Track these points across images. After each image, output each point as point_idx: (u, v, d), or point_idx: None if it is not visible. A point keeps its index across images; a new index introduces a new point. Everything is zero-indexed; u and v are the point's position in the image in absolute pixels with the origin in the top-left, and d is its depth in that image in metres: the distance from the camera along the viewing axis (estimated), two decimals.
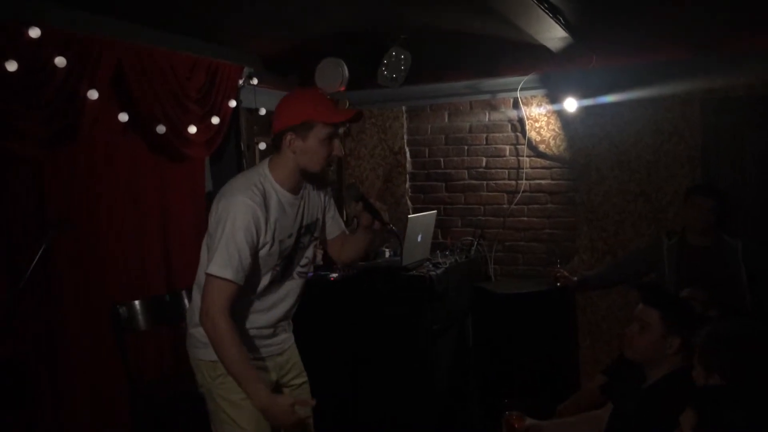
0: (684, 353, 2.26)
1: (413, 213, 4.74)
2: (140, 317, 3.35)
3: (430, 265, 4.01)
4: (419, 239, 4.02)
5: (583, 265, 4.40)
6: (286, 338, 2.49)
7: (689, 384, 1.98)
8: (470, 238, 4.70)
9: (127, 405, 3.31)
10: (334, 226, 2.56)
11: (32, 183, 3.06)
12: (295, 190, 2.31)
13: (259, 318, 2.33)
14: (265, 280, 2.28)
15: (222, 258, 2.12)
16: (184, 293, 3.56)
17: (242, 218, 2.14)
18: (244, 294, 2.22)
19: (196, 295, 2.30)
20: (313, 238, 2.45)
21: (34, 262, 2.83)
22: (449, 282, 3.98)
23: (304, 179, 2.33)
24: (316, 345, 3.93)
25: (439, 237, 4.76)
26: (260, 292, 2.29)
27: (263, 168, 2.30)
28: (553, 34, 3.62)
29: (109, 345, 3.27)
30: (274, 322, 2.38)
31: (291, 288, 2.41)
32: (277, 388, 2.40)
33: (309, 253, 2.45)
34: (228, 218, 2.14)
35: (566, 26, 3.45)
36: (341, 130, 2.31)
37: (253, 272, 2.21)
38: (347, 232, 2.61)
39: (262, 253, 2.22)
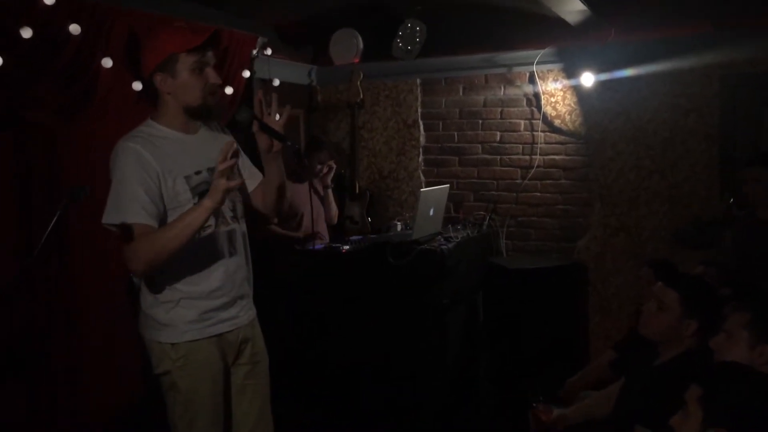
0: (700, 335, 2.25)
1: (426, 187, 4.73)
2: None
3: (442, 240, 4.01)
4: (431, 213, 4.01)
5: (596, 241, 4.38)
6: (249, 307, 2.35)
7: (702, 364, 1.97)
8: (482, 213, 4.68)
9: (140, 374, 3.35)
10: (251, 177, 2.40)
11: (47, 150, 3.07)
12: (185, 130, 2.21)
13: (210, 279, 2.19)
14: None
15: (116, 204, 2.06)
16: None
17: (124, 158, 2.07)
18: None
19: (137, 278, 2.25)
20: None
21: (48, 229, 2.85)
22: (460, 256, 3.98)
23: (193, 118, 2.22)
24: (325, 318, 3.98)
25: (452, 211, 4.75)
26: (194, 240, 2.12)
27: (147, 120, 2.22)
28: (572, 7, 3.57)
29: (123, 314, 3.30)
30: (227, 281, 2.22)
31: (230, 236, 2.25)
32: (226, 370, 2.27)
33: (236, 197, 2.29)
34: (113, 168, 2.10)
35: None
36: (210, 56, 2.17)
37: (174, 213, 2.11)
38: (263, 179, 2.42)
39: (168, 189, 2.10)
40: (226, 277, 2.23)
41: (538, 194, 4.63)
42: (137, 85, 3.39)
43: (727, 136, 4.06)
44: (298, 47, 4.59)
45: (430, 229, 4.04)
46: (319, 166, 4.16)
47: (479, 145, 4.78)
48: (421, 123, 4.91)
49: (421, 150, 4.93)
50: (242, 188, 2.34)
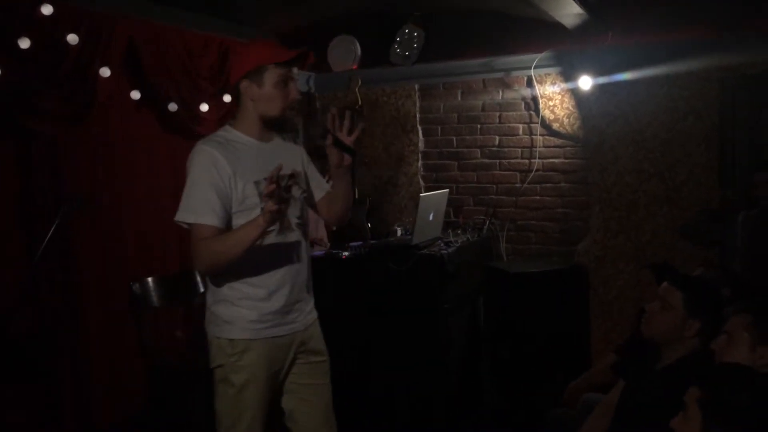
0: (702, 336, 2.25)
1: (425, 192, 4.73)
2: (154, 294, 3.37)
3: (442, 244, 4.01)
4: (431, 218, 4.01)
5: (596, 244, 4.38)
6: (308, 311, 2.42)
7: (703, 366, 1.97)
8: (482, 217, 4.68)
9: (142, 379, 3.35)
10: (318, 188, 2.51)
11: (47, 159, 3.08)
12: (260, 137, 2.30)
13: (271, 281, 2.26)
14: None
15: (187, 203, 2.16)
16: (196, 271, 3.59)
17: (199, 160, 2.17)
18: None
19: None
20: (303, 192, 2.38)
21: (48, 236, 2.86)
22: (461, 261, 3.98)
23: (269, 128, 2.32)
24: (326, 324, 3.96)
25: (451, 216, 4.75)
26: (259, 243, 2.17)
27: (225, 125, 2.33)
28: (569, 11, 3.58)
29: (124, 321, 3.30)
30: (287, 284, 2.29)
31: (294, 242, 2.33)
32: (279, 373, 2.34)
33: (303, 206, 2.39)
34: (189, 169, 2.20)
35: (582, 3, 3.40)
36: (295, 72, 2.28)
37: (241, 221, 2.17)
38: (330, 191, 2.53)
39: (238, 192, 2.18)
40: (287, 281, 2.31)
41: (538, 198, 4.63)
42: (136, 94, 3.41)
43: (725, 139, 4.06)
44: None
45: (430, 234, 4.04)
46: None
47: (478, 150, 4.79)
48: (419, 128, 4.92)
49: (420, 155, 4.93)
50: (309, 196, 2.45)
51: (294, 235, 2.33)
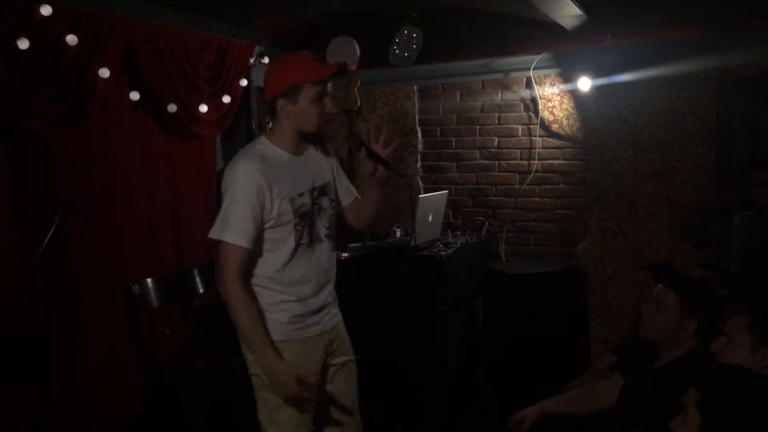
0: (699, 336, 2.25)
1: (424, 193, 4.73)
2: (152, 294, 3.37)
3: (441, 245, 4.00)
4: (430, 219, 4.01)
5: (595, 246, 4.38)
6: (334, 313, 2.50)
7: (702, 367, 1.97)
8: (481, 219, 4.68)
9: (139, 381, 3.35)
10: (346, 194, 2.57)
11: (44, 160, 3.08)
12: (295, 151, 2.34)
13: (301, 288, 2.34)
14: (291, 242, 2.29)
15: (224, 221, 2.20)
16: (195, 271, 3.59)
17: (241, 181, 2.20)
18: (277, 259, 2.28)
19: None
20: (332, 202, 2.45)
21: (47, 239, 2.86)
22: (460, 262, 3.98)
23: (304, 141, 2.36)
24: None
25: (450, 217, 4.74)
26: (290, 256, 2.31)
27: (261, 137, 2.38)
28: (567, 12, 3.58)
29: (121, 322, 3.30)
30: (316, 291, 2.38)
31: (323, 252, 2.41)
32: (315, 373, 2.37)
33: (331, 215, 2.46)
34: (229, 186, 2.23)
35: (581, 4, 3.41)
36: (329, 87, 2.31)
37: (274, 235, 2.26)
38: (360, 198, 2.60)
39: (273, 211, 2.24)
40: (316, 290, 2.39)
41: (537, 199, 4.63)
42: (134, 95, 3.41)
43: (724, 139, 4.07)
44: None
45: (429, 235, 4.04)
46: None
47: (477, 151, 4.79)
48: (418, 129, 4.92)
49: (419, 156, 4.93)
50: (337, 203, 2.51)
51: (323, 247, 2.41)
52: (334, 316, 2.50)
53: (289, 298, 2.32)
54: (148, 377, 3.27)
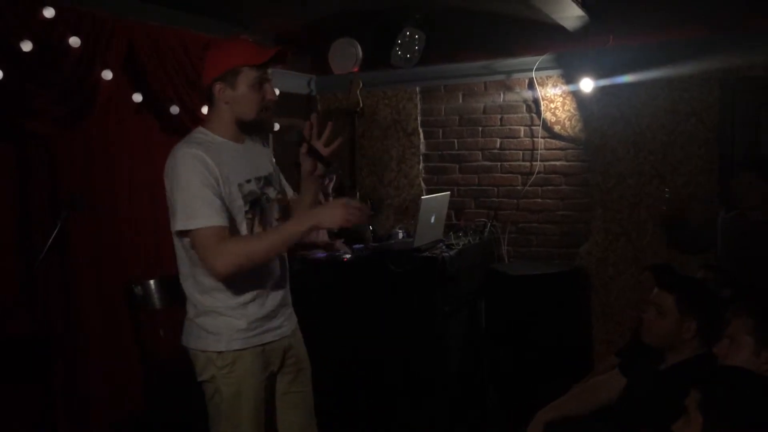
0: (702, 337, 2.24)
1: (426, 194, 4.73)
2: (154, 296, 3.37)
3: (443, 247, 4.00)
4: (432, 220, 4.01)
5: (597, 247, 4.37)
6: (288, 322, 2.37)
7: (706, 369, 1.96)
8: (484, 220, 4.68)
9: (140, 382, 3.35)
10: (282, 192, 2.44)
11: (46, 162, 3.09)
12: (236, 139, 2.23)
13: (255, 287, 2.21)
14: (243, 231, 2.19)
15: (188, 209, 2.05)
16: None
17: (189, 165, 2.07)
18: None
19: (186, 286, 2.26)
20: (278, 193, 2.35)
21: (50, 240, 2.86)
22: (462, 263, 3.97)
23: (244, 130, 2.25)
24: (327, 325, 3.97)
25: (453, 218, 4.74)
26: None
27: (198, 127, 2.25)
28: (570, 13, 3.58)
29: (123, 323, 3.30)
30: (269, 292, 2.25)
31: None
32: (271, 379, 2.31)
33: (280, 208, 2.35)
34: (175, 176, 2.09)
35: (583, 5, 3.40)
36: (270, 73, 2.21)
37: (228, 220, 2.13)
38: (295, 196, 2.48)
39: (225, 195, 2.12)
40: (272, 284, 2.28)
41: (539, 200, 4.63)
42: (137, 97, 3.41)
43: (726, 140, 4.06)
44: (297, 57, 4.60)
45: (432, 237, 4.03)
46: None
47: (479, 152, 4.78)
48: (420, 131, 4.92)
49: (421, 157, 4.93)
50: (282, 200, 2.39)
51: None
52: (291, 318, 2.39)
53: (244, 299, 2.19)
54: (149, 378, 3.27)
